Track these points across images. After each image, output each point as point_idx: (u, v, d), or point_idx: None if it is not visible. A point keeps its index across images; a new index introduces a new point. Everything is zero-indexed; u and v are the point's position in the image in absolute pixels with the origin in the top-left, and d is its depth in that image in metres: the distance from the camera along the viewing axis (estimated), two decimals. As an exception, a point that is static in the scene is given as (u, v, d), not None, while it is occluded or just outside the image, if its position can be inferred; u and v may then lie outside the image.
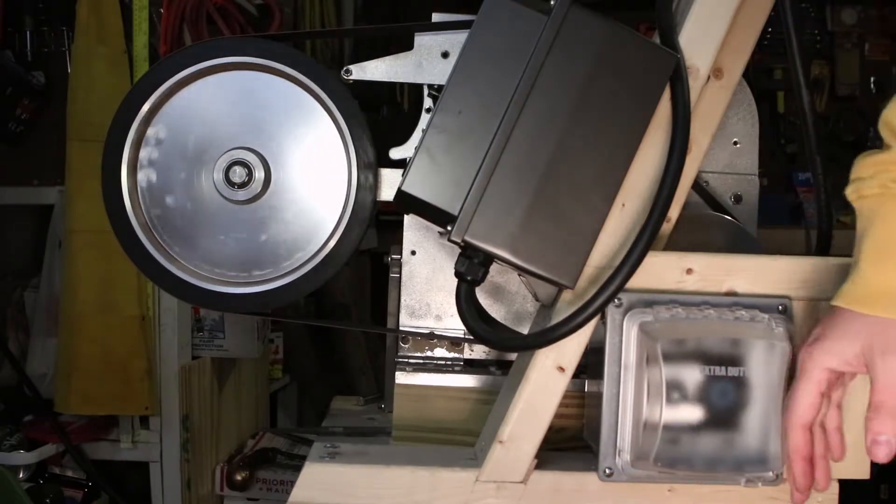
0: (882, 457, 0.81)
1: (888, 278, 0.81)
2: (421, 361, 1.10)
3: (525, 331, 1.06)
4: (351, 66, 1.01)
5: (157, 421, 1.91)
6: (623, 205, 0.92)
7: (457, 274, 0.91)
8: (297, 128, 0.98)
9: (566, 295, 0.92)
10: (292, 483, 0.94)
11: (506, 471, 0.93)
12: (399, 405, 1.07)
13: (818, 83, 3.24)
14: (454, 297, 0.93)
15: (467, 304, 0.92)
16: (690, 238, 0.99)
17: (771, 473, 0.90)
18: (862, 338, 0.82)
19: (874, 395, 0.81)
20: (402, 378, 1.07)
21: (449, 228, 0.88)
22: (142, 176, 0.97)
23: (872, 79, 3.29)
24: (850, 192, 0.86)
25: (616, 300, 0.90)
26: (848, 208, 0.88)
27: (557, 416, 0.93)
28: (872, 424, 0.81)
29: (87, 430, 1.90)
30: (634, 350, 0.90)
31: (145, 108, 0.96)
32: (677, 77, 0.90)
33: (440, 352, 1.10)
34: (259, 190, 0.97)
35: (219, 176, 0.96)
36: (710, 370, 0.88)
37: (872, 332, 0.81)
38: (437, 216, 0.89)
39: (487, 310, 1.05)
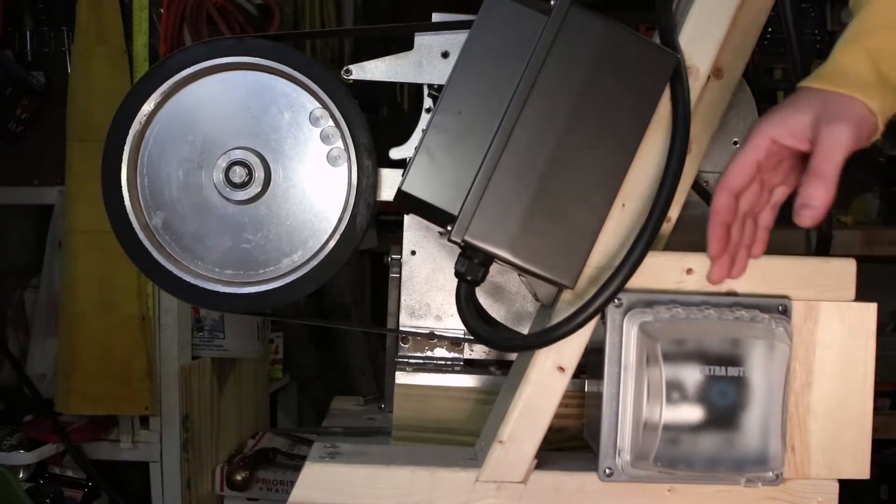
0: (807, 221, 0.82)
1: (849, 58, 0.84)
2: (421, 361, 1.10)
3: (525, 331, 1.06)
4: (351, 66, 1.01)
5: (157, 421, 1.91)
6: (623, 205, 0.92)
7: (457, 274, 0.91)
8: (296, 128, 0.98)
9: (566, 295, 0.92)
10: (292, 483, 0.94)
11: (506, 471, 0.93)
12: (399, 405, 1.07)
13: (818, 83, 3.24)
14: (454, 297, 0.93)
15: (467, 304, 0.92)
16: (690, 238, 0.99)
17: (771, 473, 0.90)
18: (813, 109, 0.83)
19: (812, 160, 0.82)
20: (402, 378, 1.07)
21: (449, 228, 0.88)
22: (141, 176, 0.97)
23: (872, 78, 3.28)
24: None
25: (616, 300, 0.90)
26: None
27: (557, 416, 0.93)
28: (804, 189, 0.82)
29: (87, 430, 1.90)
30: (634, 350, 0.90)
31: (145, 108, 0.96)
32: (677, 77, 0.90)
33: (440, 352, 1.10)
34: (259, 190, 0.97)
35: (219, 176, 0.96)
36: (710, 370, 0.88)
37: (824, 104, 0.83)
38: (437, 216, 0.89)
39: (487, 310, 1.05)
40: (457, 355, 1.10)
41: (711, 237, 0.87)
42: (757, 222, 0.90)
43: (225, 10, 1.93)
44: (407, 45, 1.02)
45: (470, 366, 1.10)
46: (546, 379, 0.92)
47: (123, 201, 0.97)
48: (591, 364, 0.98)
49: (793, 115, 0.84)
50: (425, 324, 1.09)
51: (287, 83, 0.98)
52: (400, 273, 1.09)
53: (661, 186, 0.89)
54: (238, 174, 0.96)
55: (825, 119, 0.82)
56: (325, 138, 0.98)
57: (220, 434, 2.16)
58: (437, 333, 1.09)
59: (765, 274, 0.93)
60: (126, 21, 1.80)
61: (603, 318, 0.91)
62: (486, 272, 0.90)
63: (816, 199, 0.81)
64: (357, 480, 0.93)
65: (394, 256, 1.10)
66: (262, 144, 0.97)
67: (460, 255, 0.90)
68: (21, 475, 1.81)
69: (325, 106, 0.97)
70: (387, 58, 1.02)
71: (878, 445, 0.97)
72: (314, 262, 0.98)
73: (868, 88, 0.82)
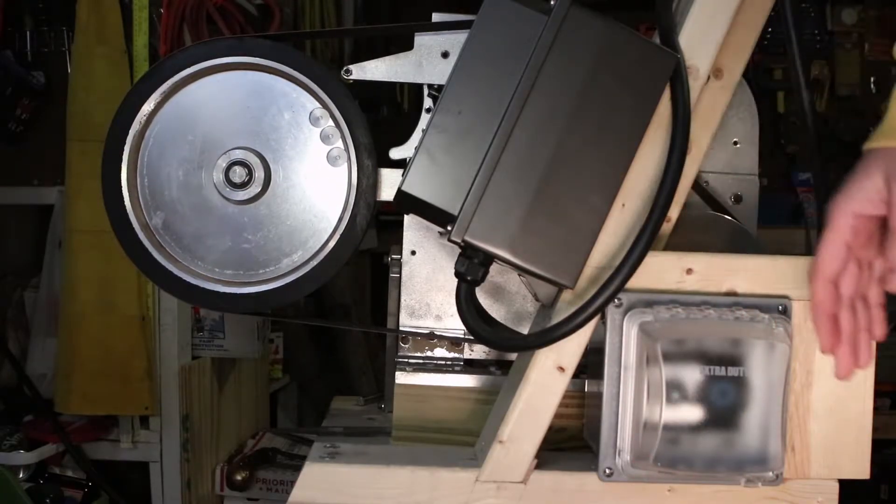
0: None
1: None
2: (421, 361, 1.10)
3: (525, 331, 1.06)
4: (351, 66, 1.01)
5: (157, 421, 1.91)
6: (623, 205, 0.92)
7: (457, 274, 0.91)
8: (296, 128, 0.98)
9: (566, 295, 0.92)
10: (292, 483, 0.94)
11: (506, 471, 0.93)
12: (399, 405, 1.07)
13: (818, 83, 3.24)
14: (454, 297, 0.93)
15: (467, 304, 0.92)
16: (690, 238, 0.99)
17: (771, 473, 0.90)
18: (881, 170, 0.80)
19: (890, 221, 0.79)
20: (402, 378, 1.07)
21: (449, 228, 0.88)
22: (141, 176, 0.97)
23: (872, 79, 3.28)
24: None
25: (616, 300, 0.90)
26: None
27: (557, 416, 0.93)
28: (888, 252, 0.79)
29: (87, 430, 1.90)
30: (634, 350, 0.90)
31: (145, 108, 0.96)
32: (677, 77, 0.90)
33: (440, 352, 1.10)
34: (259, 190, 0.97)
35: (219, 176, 0.96)
36: (710, 370, 0.88)
37: (890, 161, 0.79)
38: (437, 216, 0.89)
39: (487, 310, 1.05)
40: (457, 355, 1.10)
41: (819, 331, 0.84)
42: (867, 302, 0.85)
43: (225, 10, 1.93)
44: (407, 45, 1.02)
45: (470, 366, 1.10)
46: (546, 379, 0.92)
47: (123, 201, 0.97)
48: (591, 364, 0.98)
49: (866, 183, 0.81)
50: (425, 324, 1.09)
51: (287, 83, 0.98)
52: (400, 273, 1.09)
53: (661, 186, 0.89)
54: (238, 174, 0.96)
55: (894, 176, 0.79)
56: (325, 138, 0.98)
57: (220, 434, 2.16)
58: (437, 333, 1.09)
59: (765, 274, 0.93)
60: (126, 21, 1.81)
61: (603, 318, 0.91)
62: (486, 272, 0.90)
63: None
64: (357, 480, 0.93)
65: (394, 256, 1.10)
66: (262, 144, 0.97)
67: (460, 255, 0.90)
68: (21, 475, 1.82)
69: (325, 106, 0.97)
70: (387, 58, 1.02)
71: (878, 445, 0.97)
72: (314, 262, 0.98)
73: None
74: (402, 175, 0.90)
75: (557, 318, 0.90)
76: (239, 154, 0.96)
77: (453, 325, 1.08)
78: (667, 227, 0.93)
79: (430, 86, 1.03)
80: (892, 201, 0.79)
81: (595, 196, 0.88)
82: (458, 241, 0.88)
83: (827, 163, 1.01)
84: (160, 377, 1.89)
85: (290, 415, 2.93)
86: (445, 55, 1.02)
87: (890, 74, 3.29)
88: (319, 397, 2.80)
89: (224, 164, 0.96)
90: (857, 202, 0.81)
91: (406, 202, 0.89)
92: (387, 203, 0.99)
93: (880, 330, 0.85)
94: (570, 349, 0.92)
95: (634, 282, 0.89)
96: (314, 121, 0.98)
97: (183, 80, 0.96)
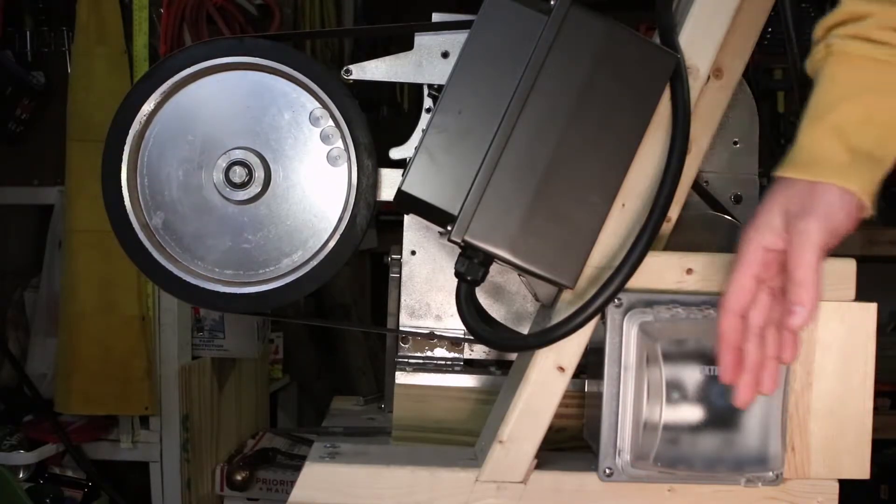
0: (797, 326, 0.77)
1: (816, 140, 0.79)
2: (421, 361, 1.10)
3: (525, 331, 1.06)
4: (351, 66, 1.01)
5: (157, 421, 1.91)
6: (623, 205, 0.92)
7: (457, 274, 0.91)
8: (296, 128, 0.98)
9: (566, 295, 0.92)
10: (292, 483, 0.94)
11: (506, 471, 0.93)
12: (399, 405, 1.07)
13: (818, 83, 3.23)
14: (454, 297, 0.93)
15: (467, 304, 0.92)
16: (690, 238, 0.99)
17: (771, 473, 0.90)
18: (782, 203, 0.79)
19: (788, 265, 0.78)
20: (402, 378, 1.07)
21: (449, 228, 0.88)
22: (141, 176, 0.97)
23: (872, 78, 3.28)
24: (808, 62, 0.83)
25: (616, 300, 0.90)
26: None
27: (557, 416, 0.93)
28: (788, 295, 0.78)
29: (87, 430, 1.90)
30: (634, 350, 0.90)
31: (145, 108, 0.96)
32: (677, 77, 0.90)
33: (440, 352, 1.10)
34: (259, 190, 0.97)
35: (219, 176, 0.96)
36: (710, 370, 0.88)
37: (792, 197, 0.78)
38: (437, 216, 0.89)
39: (487, 310, 1.05)
40: (457, 355, 1.10)
41: (721, 363, 0.81)
42: (781, 325, 0.82)
43: (225, 10, 1.93)
44: (407, 45, 1.02)
45: (470, 366, 1.11)
46: (546, 379, 0.92)
47: (123, 201, 0.97)
48: (591, 364, 0.98)
49: (771, 217, 0.79)
50: (425, 324, 1.09)
51: (287, 83, 0.98)
52: (400, 273, 1.09)
53: (661, 186, 0.89)
54: (238, 174, 0.96)
55: (793, 215, 0.78)
56: (325, 138, 0.98)
57: (220, 434, 2.16)
58: (437, 333, 1.09)
59: (765, 274, 0.93)
60: (126, 21, 1.81)
61: (603, 318, 0.91)
62: (486, 272, 0.90)
63: (800, 305, 0.77)
64: (357, 480, 0.93)
65: (394, 256, 1.10)
66: (262, 144, 0.97)
67: (460, 255, 0.90)
68: (21, 475, 1.81)
69: (325, 106, 0.97)
70: (387, 58, 1.02)
71: (878, 445, 0.97)
72: (314, 262, 0.98)
73: (842, 170, 0.77)
74: (402, 175, 0.90)
75: (557, 318, 0.90)
76: (239, 154, 0.96)
77: (453, 325, 1.08)
78: (667, 227, 0.93)
79: (430, 86, 1.03)
80: (789, 245, 0.78)
81: (595, 196, 0.88)
82: (458, 241, 0.88)
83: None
84: (160, 377, 1.89)
85: (290, 415, 2.93)
86: (445, 55, 1.02)
87: (890, 74, 3.28)
88: (319, 397, 2.80)
89: (224, 164, 0.96)
90: (766, 235, 0.80)
91: (406, 202, 0.89)
92: (387, 203, 0.99)
93: (791, 354, 0.82)
94: (570, 349, 0.92)
95: (634, 282, 0.89)
96: (314, 121, 0.98)
97: (183, 80, 0.97)
